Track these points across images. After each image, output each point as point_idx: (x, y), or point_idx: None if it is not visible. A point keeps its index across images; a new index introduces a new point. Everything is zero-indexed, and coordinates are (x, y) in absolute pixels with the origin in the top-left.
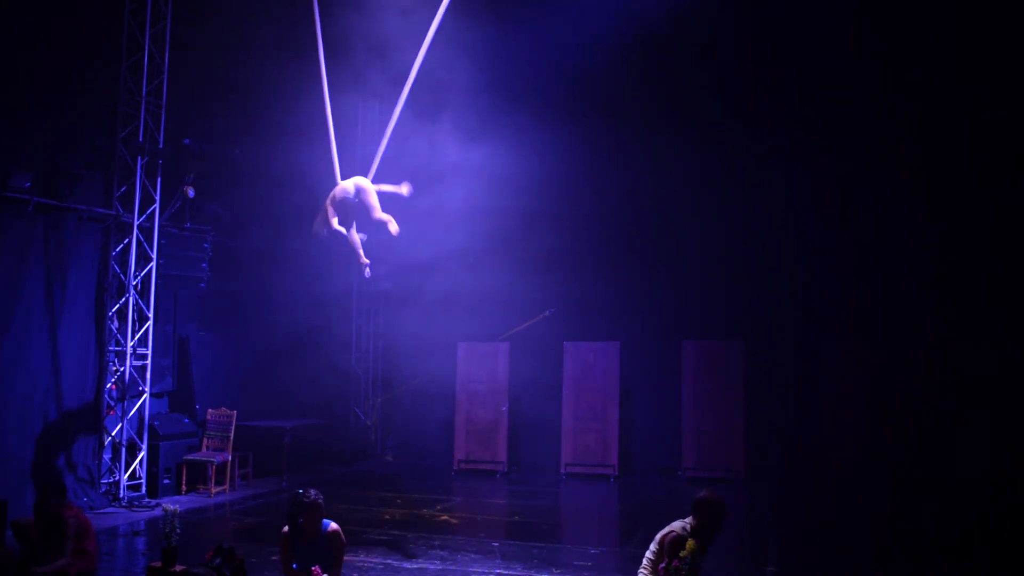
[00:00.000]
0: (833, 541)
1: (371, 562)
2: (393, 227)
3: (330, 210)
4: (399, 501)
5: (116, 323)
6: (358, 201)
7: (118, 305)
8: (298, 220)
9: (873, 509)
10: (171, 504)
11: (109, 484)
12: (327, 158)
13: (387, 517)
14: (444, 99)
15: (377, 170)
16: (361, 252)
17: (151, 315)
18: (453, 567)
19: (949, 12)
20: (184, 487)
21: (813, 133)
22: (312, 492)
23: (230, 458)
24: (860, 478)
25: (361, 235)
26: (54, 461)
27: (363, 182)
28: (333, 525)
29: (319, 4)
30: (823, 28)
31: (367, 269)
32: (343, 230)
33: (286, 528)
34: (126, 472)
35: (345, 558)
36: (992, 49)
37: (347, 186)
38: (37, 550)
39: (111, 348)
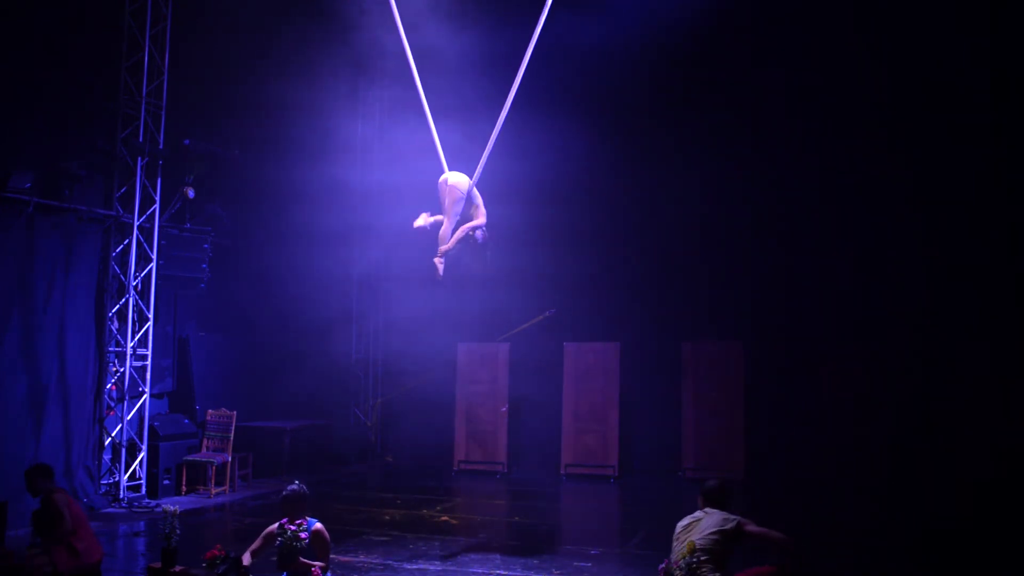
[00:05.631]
0: (833, 541)
1: (371, 563)
2: (440, 269)
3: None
4: (399, 501)
5: (116, 324)
6: (463, 202)
7: (118, 306)
8: (297, 220)
9: (873, 509)
10: (171, 505)
11: (109, 485)
12: (324, 158)
13: (387, 518)
14: (445, 99)
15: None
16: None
17: (151, 316)
18: (453, 568)
19: (950, 13)
20: (184, 488)
21: (814, 135)
22: (290, 486)
23: (230, 459)
24: (860, 478)
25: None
26: (54, 462)
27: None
28: (317, 524)
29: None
30: (827, 33)
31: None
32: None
33: (275, 525)
34: (126, 473)
35: (345, 559)
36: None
37: (460, 181)
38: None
39: (111, 349)
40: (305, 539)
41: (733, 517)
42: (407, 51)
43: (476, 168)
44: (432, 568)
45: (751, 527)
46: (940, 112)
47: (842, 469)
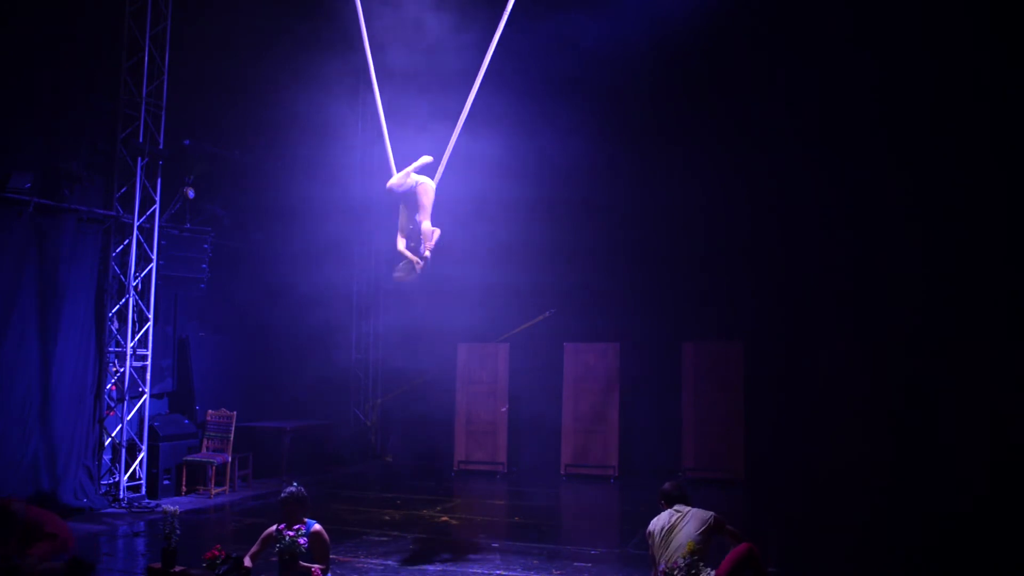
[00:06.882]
0: (833, 541)
1: (371, 563)
2: (425, 253)
3: (402, 213)
4: (399, 502)
5: (116, 324)
6: (409, 192)
7: (118, 306)
8: (297, 220)
9: (873, 509)
10: (171, 505)
11: (109, 485)
12: (323, 158)
13: (387, 518)
14: (445, 97)
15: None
16: (415, 252)
17: (151, 316)
18: (453, 568)
19: (953, 15)
20: (184, 488)
21: (813, 136)
22: (288, 488)
23: (230, 459)
24: (860, 478)
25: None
26: (53, 462)
27: (426, 180)
28: (316, 526)
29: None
30: (828, 33)
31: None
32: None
33: (273, 528)
34: (126, 473)
35: (345, 559)
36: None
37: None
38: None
39: (111, 349)
40: (304, 544)
41: (708, 512)
42: (371, 68)
43: (437, 174)
44: (432, 568)
45: (726, 523)
46: (941, 112)
47: (842, 469)
